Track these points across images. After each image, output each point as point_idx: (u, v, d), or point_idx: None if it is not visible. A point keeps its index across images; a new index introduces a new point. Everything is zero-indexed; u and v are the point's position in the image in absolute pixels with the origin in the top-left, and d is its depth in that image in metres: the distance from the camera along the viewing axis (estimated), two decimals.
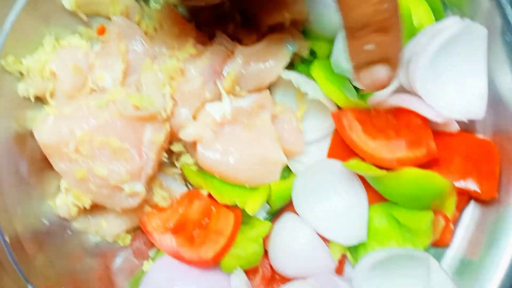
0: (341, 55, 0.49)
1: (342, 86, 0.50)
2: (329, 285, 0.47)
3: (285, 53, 0.50)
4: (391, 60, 0.34)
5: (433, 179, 0.46)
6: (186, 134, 0.47)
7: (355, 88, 0.50)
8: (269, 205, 0.53)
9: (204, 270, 0.49)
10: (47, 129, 0.45)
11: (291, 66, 0.53)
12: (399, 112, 0.48)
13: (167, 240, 0.49)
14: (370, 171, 0.47)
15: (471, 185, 0.47)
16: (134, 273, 0.52)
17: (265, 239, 0.52)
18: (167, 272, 0.48)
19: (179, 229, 0.49)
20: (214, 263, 0.48)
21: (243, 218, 0.52)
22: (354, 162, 0.48)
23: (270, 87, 0.53)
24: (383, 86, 0.35)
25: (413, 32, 0.50)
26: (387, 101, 0.48)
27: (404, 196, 0.48)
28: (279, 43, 0.51)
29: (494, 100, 0.48)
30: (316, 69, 0.50)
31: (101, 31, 0.52)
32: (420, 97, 0.46)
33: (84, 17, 0.51)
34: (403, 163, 0.47)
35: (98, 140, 0.45)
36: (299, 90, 0.51)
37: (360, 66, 0.34)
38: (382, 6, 0.31)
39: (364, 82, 0.35)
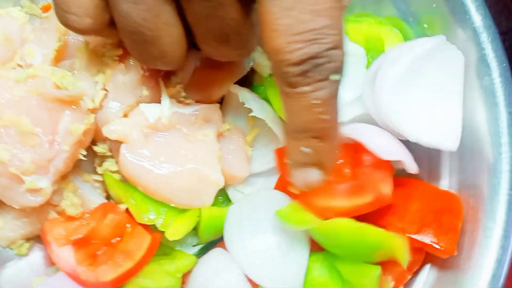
0: None
1: None
2: None
3: (242, 65, 0.45)
4: (325, 166, 0.35)
5: (368, 232, 0.39)
6: (110, 131, 0.41)
7: None
8: (198, 236, 0.45)
9: None
10: None
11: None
12: (356, 148, 0.43)
13: (65, 254, 0.41)
14: (299, 223, 0.40)
15: (429, 238, 0.41)
16: None
17: (185, 276, 0.44)
18: None
19: (81, 244, 0.41)
20: (110, 287, 0.39)
21: (165, 249, 0.46)
22: (286, 210, 0.42)
23: (222, 105, 0.47)
24: (312, 187, 0.36)
25: None
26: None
27: (340, 248, 0.41)
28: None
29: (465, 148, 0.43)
30: (270, 86, 0.45)
31: (47, 8, 0.47)
32: (379, 127, 0.41)
33: None
34: (340, 213, 0.40)
35: (7, 117, 0.38)
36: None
37: (295, 165, 0.36)
38: (324, 116, 0.33)
39: (296, 180, 0.36)
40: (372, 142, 0.41)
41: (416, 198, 0.43)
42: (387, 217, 0.42)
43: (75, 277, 0.40)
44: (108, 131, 0.41)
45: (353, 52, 0.47)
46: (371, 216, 0.43)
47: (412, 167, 0.41)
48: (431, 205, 0.42)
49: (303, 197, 0.41)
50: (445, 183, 0.46)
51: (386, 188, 0.41)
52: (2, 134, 0.38)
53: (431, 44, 0.43)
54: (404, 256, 0.39)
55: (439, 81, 0.42)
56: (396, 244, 0.39)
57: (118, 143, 0.42)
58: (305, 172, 0.35)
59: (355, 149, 0.42)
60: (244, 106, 0.45)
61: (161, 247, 0.46)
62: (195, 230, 0.46)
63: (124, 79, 0.42)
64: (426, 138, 0.41)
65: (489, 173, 0.42)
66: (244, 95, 0.45)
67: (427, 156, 0.46)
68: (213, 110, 0.45)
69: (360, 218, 0.43)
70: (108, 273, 0.39)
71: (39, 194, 0.40)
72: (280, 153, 0.43)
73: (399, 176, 0.45)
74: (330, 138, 0.34)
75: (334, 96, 0.33)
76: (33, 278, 0.43)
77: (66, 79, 0.40)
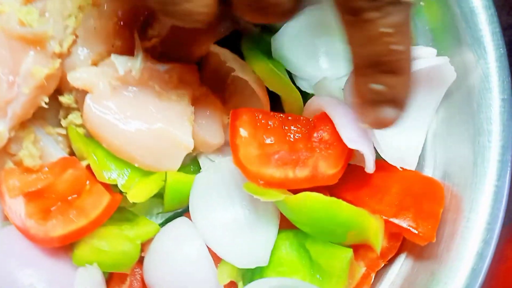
0: (284, 40, 0.42)
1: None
2: None
3: (225, 24, 0.43)
4: (399, 102, 0.31)
5: (340, 208, 0.36)
6: (75, 78, 0.38)
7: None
8: (164, 204, 0.43)
9: (51, 256, 0.37)
10: None
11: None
12: (321, 119, 0.40)
13: (17, 206, 0.38)
14: (266, 194, 0.38)
15: (406, 222, 0.38)
16: None
17: (146, 244, 0.41)
18: (5, 248, 0.37)
19: (34, 197, 0.38)
20: (59, 244, 0.37)
21: (128, 215, 0.43)
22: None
23: (201, 68, 0.44)
24: (387, 126, 0.32)
25: None
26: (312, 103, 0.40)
27: (310, 225, 0.38)
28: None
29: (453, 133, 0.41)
30: (247, 44, 0.42)
31: None
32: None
33: None
34: (271, 182, 0.37)
35: None
36: None
37: (365, 104, 0.32)
38: (396, 47, 0.29)
39: (368, 120, 0.32)
40: (342, 123, 0.37)
41: (396, 182, 0.40)
42: (364, 198, 0.40)
43: (24, 231, 0.37)
44: (73, 78, 0.38)
45: None
46: (346, 195, 0.40)
47: (369, 165, 0.38)
48: (412, 190, 0.39)
49: (238, 160, 0.38)
50: (429, 171, 0.44)
51: (327, 168, 0.38)
52: None
53: (430, 63, 0.40)
54: (377, 239, 0.37)
55: (416, 102, 0.39)
56: (369, 224, 0.36)
57: (84, 93, 0.39)
58: (378, 111, 0.31)
59: (320, 120, 0.39)
60: (226, 65, 0.42)
61: (125, 213, 0.43)
62: (161, 199, 0.43)
63: (96, 24, 0.39)
64: (388, 156, 0.40)
65: (476, 162, 0.39)
66: (226, 55, 0.42)
67: None
68: (190, 70, 0.43)
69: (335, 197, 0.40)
70: (58, 228, 0.36)
71: None
72: (235, 116, 0.39)
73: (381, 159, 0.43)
74: (404, 71, 0.30)
75: (407, 22, 0.29)
76: None
77: (31, 16, 0.37)
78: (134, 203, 0.43)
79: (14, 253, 0.37)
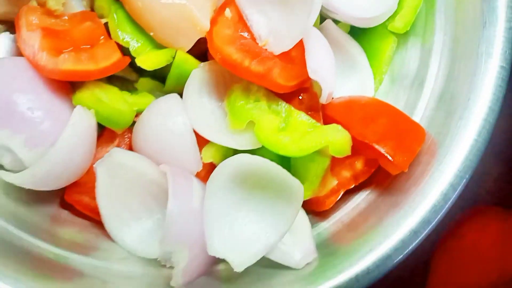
0: None
1: None
2: (181, 177, 0.38)
3: None
4: None
5: None
6: None
7: None
8: (166, 82, 0.44)
9: (52, 90, 0.39)
10: None
11: None
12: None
13: (32, 39, 0.39)
14: None
15: (385, 149, 0.40)
16: None
17: (139, 113, 0.43)
18: (9, 68, 0.38)
19: (50, 34, 0.40)
20: (64, 78, 0.39)
21: (130, 87, 0.45)
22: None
23: None
24: None
25: None
26: None
27: None
28: None
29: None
30: None
31: None
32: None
33: None
34: (240, 71, 0.40)
35: None
36: None
37: None
38: None
39: None
40: (311, 52, 0.40)
41: (386, 115, 0.43)
42: (352, 121, 0.42)
43: (33, 62, 0.38)
44: None
45: None
46: (336, 116, 0.43)
47: (323, 97, 0.40)
48: (397, 125, 0.42)
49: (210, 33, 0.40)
50: (417, 119, 0.46)
51: (278, 76, 0.39)
52: None
53: None
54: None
55: None
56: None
57: None
58: None
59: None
60: None
61: (128, 85, 0.45)
62: (163, 83, 0.45)
63: None
64: None
65: (462, 115, 0.42)
66: None
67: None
68: None
69: (326, 117, 0.43)
70: (67, 63, 0.38)
71: None
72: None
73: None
74: None
75: None
76: None
77: None
78: (138, 78, 0.45)
79: (18, 79, 0.38)
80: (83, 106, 0.39)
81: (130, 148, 0.43)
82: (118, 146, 0.43)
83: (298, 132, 0.40)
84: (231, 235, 0.37)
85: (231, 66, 0.40)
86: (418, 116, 0.46)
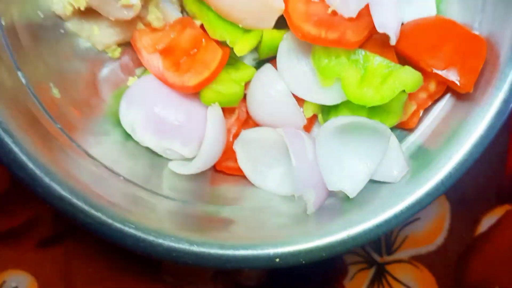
0: None
1: None
2: (294, 136, 0.50)
3: None
4: None
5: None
6: None
7: None
8: (258, 53, 0.54)
9: (184, 97, 0.51)
10: None
11: None
12: None
13: (154, 61, 0.50)
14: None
15: (452, 76, 0.49)
16: (119, 86, 0.54)
17: (246, 84, 0.54)
18: (149, 90, 0.51)
19: (167, 53, 0.50)
20: (194, 91, 0.50)
21: (230, 60, 0.54)
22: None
23: None
24: None
25: None
26: None
27: None
28: None
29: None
30: None
31: None
32: None
33: None
34: (319, 41, 0.48)
35: None
36: None
37: None
38: None
39: None
40: (376, 8, 0.46)
41: (449, 40, 0.50)
42: (421, 53, 0.50)
43: (164, 80, 0.50)
44: None
45: None
46: (407, 50, 0.50)
47: (392, 40, 0.47)
48: (460, 47, 0.49)
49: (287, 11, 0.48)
50: (476, 26, 0.52)
51: (351, 36, 0.48)
52: None
53: None
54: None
55: None
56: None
57: None
58: None
59: None
60: None
61: (229, 58, 0.55)
62: (255, 49, 0.54)
63: None
64: None
65: None
66: None
67: None
68: None
69: (396, 50, 0.51)
70: (191, 79, 0.49)
71: (131, 9, 0.47)
72: None
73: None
74: None
75: None
76: (126, 77, 0.54)
77: None
78: None
79: (159, 96, 0.51)
80: (210, 102, 0.51)
81: (247, 113, 0.55)
82: (238, 115, 0.55)
83: (377, 77, 0.49)
84: (341, 171, 0.50)
85: (311, 39, 0.48)
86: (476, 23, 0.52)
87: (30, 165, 0.42)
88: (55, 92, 0.48)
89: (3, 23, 0.44)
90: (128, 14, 0.48)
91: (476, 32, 0.51)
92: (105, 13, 0.48)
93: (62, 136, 0.48)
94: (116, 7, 0.47)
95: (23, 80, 0.45)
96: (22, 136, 0.43)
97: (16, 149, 0.42)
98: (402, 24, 0.52)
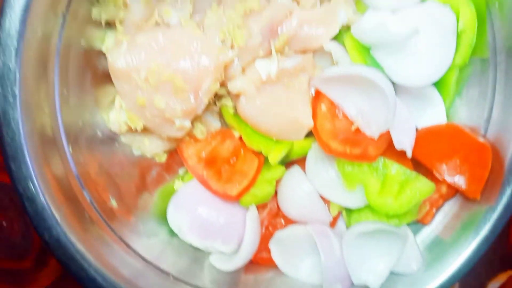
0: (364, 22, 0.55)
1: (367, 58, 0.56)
2: (322, 235, 0.57)
3: (337, 24, 0.55)
4: None
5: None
6: (234, 86, 0.54)
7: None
8: (288, 156, 0.61)
9: (225, 201, 0.58)
10: (121, 54, 0.51)
11: None
12: None
13: (199, 170, 0.57)
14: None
15: (461, 183, 0.56)
16: (163, 184, 0.61)
17: (277, 181, 0.61)
18: (195, 195, 0.57)
19: (210, 162, 0.57)
20: (236, 199, 0.57)
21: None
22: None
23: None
24: None
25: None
26: None
27: None
28: (333, 13, 0.56)
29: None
30: (349, 38, 0.56)
31: None
32: None
33: None
34: (345, 156, 0.56)
35: (167, 74, 0.51)
36: None
37: None
38: None
39: None
40: (395, 128, 0.53)
41: (458, 150, 0.56)
42: (433, 161, 0.57)
43: (207, 186, 0.57)
44: (233, 87, 0.54)
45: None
46: (421, 158, 0.57)
47: (408, 153, 0.55)
48: (468, 157, 0.56)
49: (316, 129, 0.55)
50: (482, 131, 0.59)
51: (372, 151, 0.55)
52: (161, 88, 0.51)
53: None
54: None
55: None
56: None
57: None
58: None
59: None
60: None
61: None
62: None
63: (248, 43, 0.52)
64: None
65: None
66: (337, 53, 0.56)
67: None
68: (308, 59, 0.56)
69: (416, 162, 0.58)
70: (233, 189, 0.56)
71: (183, 130, 0.54)
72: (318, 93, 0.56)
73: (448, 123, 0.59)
74: None
75: None
76: (170, 176, 0.61)
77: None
78: None
79: (203, 201, 0.57)
80: (247, 204, 0.57)
81: (278, 207, 0.61)
82: (269, 209, 0.61)
83: (396, 184, 0.56)
84: (365, 267, 0.56)
85: (337, 154, 0.55)
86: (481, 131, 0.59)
87: (79, 259, 0.48)
88: (113, 203, 0.55)
89: (71, 150, 0.51)
90: (180, 134, 0.55)
91: (482, 137, 0.58)
92: (159, 132, 0.55)
93: (113, 236, 0.54)
94: (170, 129, 0.54)
95: (88, 198, 0.52)
96: (78, 236, 0.49)
97: (69, 245, 0.48)
98: (416, 129, 0.59)
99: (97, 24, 0.53)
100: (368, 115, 0.54)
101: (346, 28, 0.57)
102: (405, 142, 0.55)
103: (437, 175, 0.56)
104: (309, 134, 0.59)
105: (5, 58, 0.43)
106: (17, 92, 0.44)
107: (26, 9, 0.43)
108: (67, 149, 0.50)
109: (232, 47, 0.53)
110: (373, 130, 0.54)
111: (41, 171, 0.47)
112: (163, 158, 0.60)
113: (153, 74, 0.50)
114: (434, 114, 0.60)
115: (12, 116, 0.44)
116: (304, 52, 0.57)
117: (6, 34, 0.43)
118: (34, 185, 0.46)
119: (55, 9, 0.46)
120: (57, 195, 0.48)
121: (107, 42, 0.53)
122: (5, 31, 0.43)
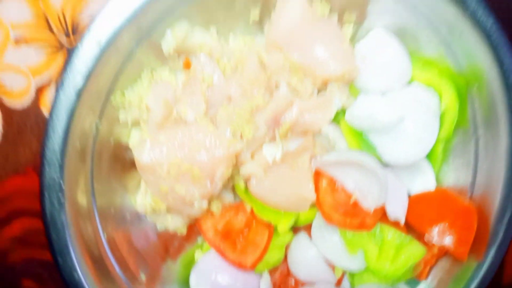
0: (356, 109, 0.62)
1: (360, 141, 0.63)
2: None
3: (332, 110, 0.62)
4: None
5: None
6: (245, 171, 0.61)
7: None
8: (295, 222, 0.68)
9: (243, 270, 0.65)
10: (145, 151, 0.58)
11: None
12: None
13: (216, 241, 0.64)
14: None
15: (450, 245, 0.62)
16: (184, 252, 0.68)
17: (286, 246, 0.68)
18: (213, 264, 0.65)
19: (225, 235, 0.65)
20: (251, 269, 0.64)
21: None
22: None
23: None
24: None
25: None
26: None
27: None
28: (329, 100, 0.63)
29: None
30: (343, 123, 0.63)
31: (187, 65, 0.63)
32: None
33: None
34: (345, 226, 0.63)
35: (185, 167, 0.58)
36: None
37: None
38: None
39: None
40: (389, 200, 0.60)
41: (446, 215, 0.63)
42: (424, 225, 0.63)
43: (224, 256, 0.64)
44: (244, 172, 0.61)
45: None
46: (413, 222, 0.64)
47: (401, 222, 0.62)
48: (456, 221, 0.63)
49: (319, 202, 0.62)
50: (469, 193, 0.66)
51: (369, 220, 0.62)
52: (181, 177, 0.59)
53: None
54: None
55: None
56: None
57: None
58: None
59: None
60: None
61: None
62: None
63: (255, 134, 0.60)
64: None
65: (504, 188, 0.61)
66: (334, 136, 0.63)
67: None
68: (309, 140, 0.64)
69: (409, 226, 0.64)
70: (248, 259, 0.63)
71: (201, 210, 0.62)
72: (318, 172, 0.63)
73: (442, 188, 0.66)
74: None
75: None
76: (190, 245, 0.68)
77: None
78: None
79: (221, 269, 0.64)
80: (261, 271, 0.65)
81: (288, 270, 0.69)
82: (280, 272, 0.69)
83: (392, 248, 0.63)
84: None
85: (338, 224, 0.62)
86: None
87: None
88: (143, 276, 0.62)
89: (106, 236, 0.58)
90: (199, 213, 0.62)
91: (469, 198, 0.64)
92: (180, 213, 0.62)
93: None
94: (190, 210, 0.61)
95: (122, 277, 0.59)
96: None
97: None
98: (409, 196, 0.66)
99: (124, 124, 0.60)
100: (365, 189, 0.61)
101: (341, 111, 0.64)
102: (398, 212, 0.62)
103: (427, 240, 0.63)
104: (314, 204, 0.66)
105: (51, 171, 0.51)
106: (62, 200, 0.52)
107: (67, 130, 0.51)
108: (103, 236, 0.58)
109: (241, 138, 0.60)
110: (369, 204, 0.61)
111: (82, 260, 0.54)
112: (184, 230, 0.67)
113: (174, 167, 0.58)
114: (424, 181, 0.67)
115: (58, 218, 0.52)
116: (305, 134, 0.64)
117: (51, 151, 0.51)
118: (77, 274, 0.53)
119: (90, 125, 0.54)
120: (95, 279, 0.55)
121: (133, 140, 0.60)
122: (50, 149, 0.51)
